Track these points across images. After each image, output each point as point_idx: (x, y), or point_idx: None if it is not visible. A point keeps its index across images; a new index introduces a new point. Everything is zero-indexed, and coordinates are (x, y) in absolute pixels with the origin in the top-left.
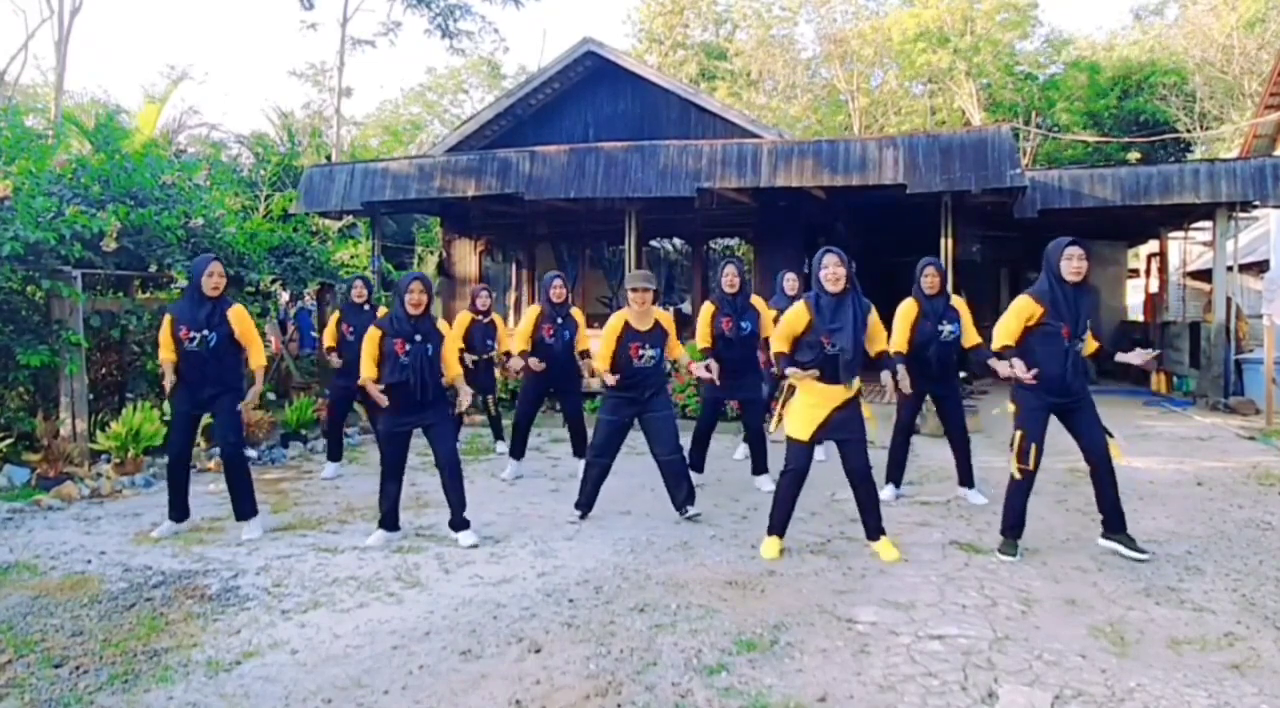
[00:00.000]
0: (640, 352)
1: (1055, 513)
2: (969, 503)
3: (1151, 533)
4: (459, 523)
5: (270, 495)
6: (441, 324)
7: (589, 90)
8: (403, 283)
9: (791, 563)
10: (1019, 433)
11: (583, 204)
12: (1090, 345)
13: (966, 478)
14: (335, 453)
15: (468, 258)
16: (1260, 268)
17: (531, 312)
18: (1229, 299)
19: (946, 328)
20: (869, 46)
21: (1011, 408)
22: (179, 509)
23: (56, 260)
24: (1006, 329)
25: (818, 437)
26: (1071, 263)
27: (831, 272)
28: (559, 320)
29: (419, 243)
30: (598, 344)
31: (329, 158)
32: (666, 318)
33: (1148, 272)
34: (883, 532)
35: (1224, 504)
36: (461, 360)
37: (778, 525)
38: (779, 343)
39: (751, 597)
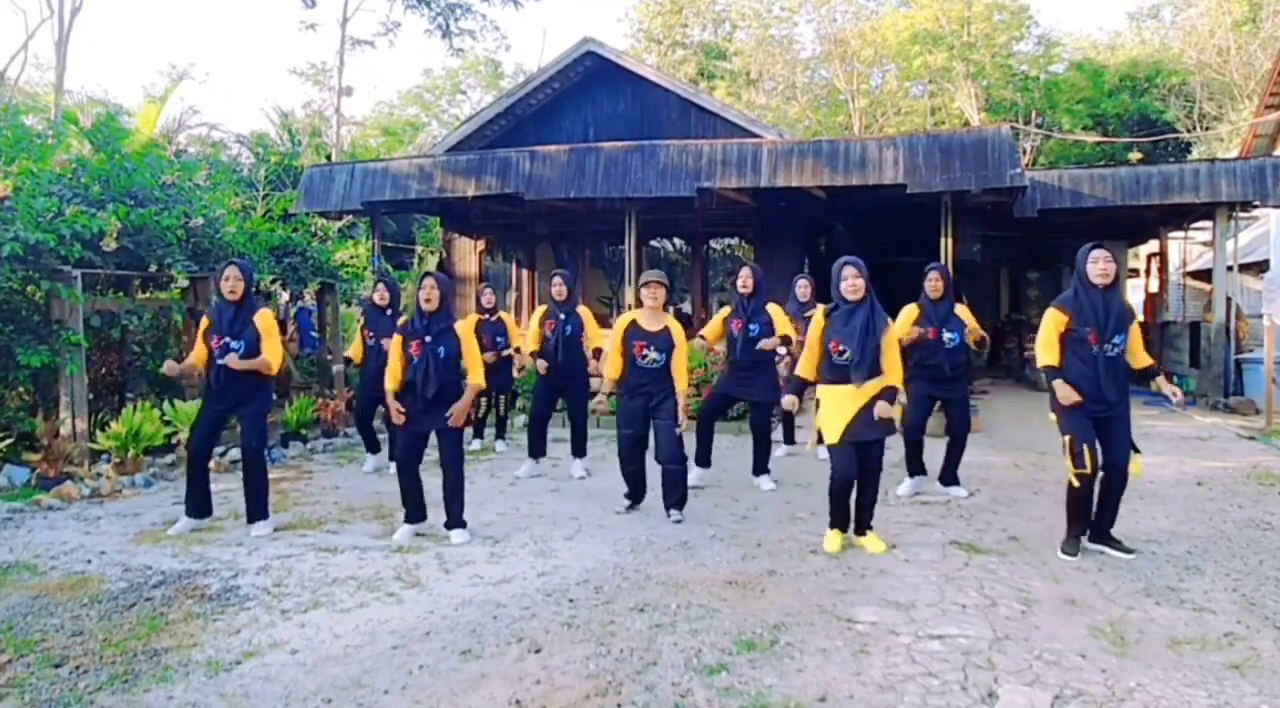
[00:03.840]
0: (644, 351)
1: (1055, 513)
2: (951, 497)
3: (1151, 533)
4: (454, 522)
5: (270, 496)
6: (459, 326)
7: (589, 90)
8: (418, 281)
9: (791, 563)
10: (1068, 438)
11: (583, 204)
12: (1142, 359)
13: (950, 476)
14: (372, 446)
15: (468, 258)
16: (1260, 268)
17: (539, 311)
18: (1229, 299)
19: (947, 335)
20: (868, 47)
21: (1052, 417)
22: (197, 504)
23: (56, 260)
24: (1045, 344)
25: (848, 437)
26: (1097, 265)
27: (850, 283)
28: (561, 317)
29: (419, 243)
30: (607, 345)
31: (329, 158)
32: (679, 329)
33: (1148, 271)
34: (870, 527)
35: (1224, 504)
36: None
37: (837, 521)
38: (802, 368)
39: (751, 597)
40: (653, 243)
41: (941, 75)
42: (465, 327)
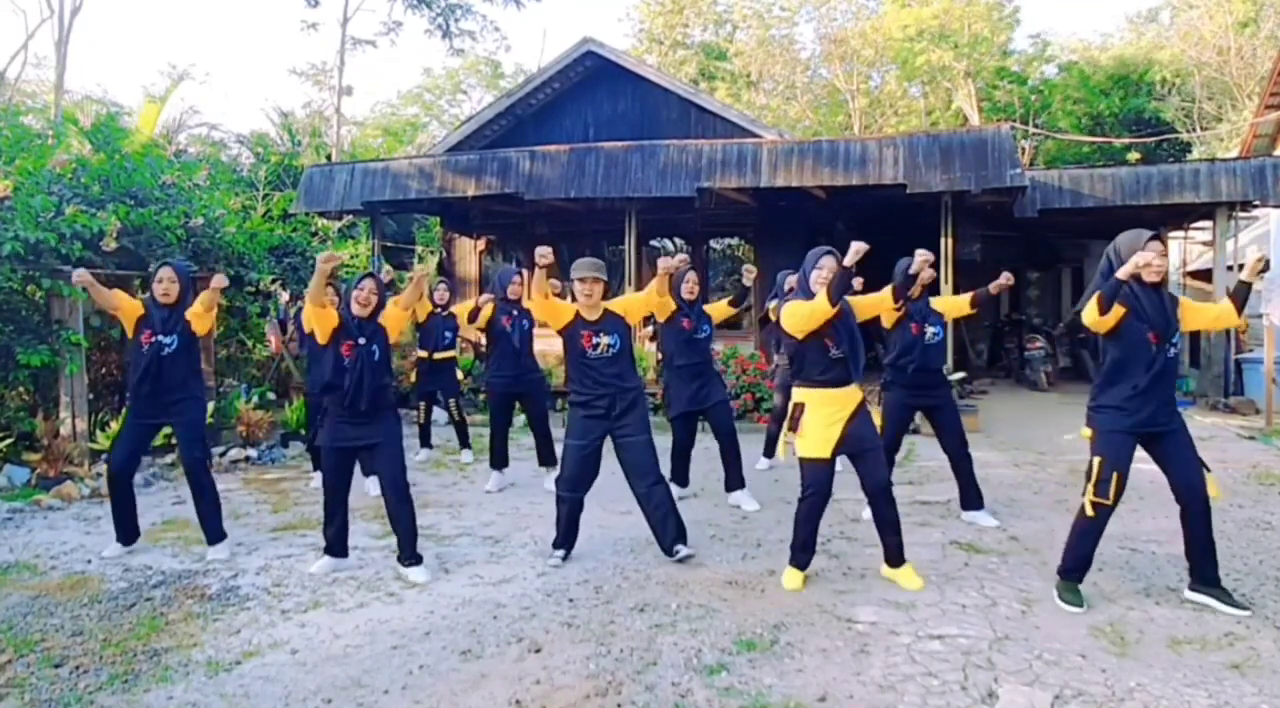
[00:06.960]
0: (594, 339)
1: (1055, 513)
2: (980, 526)
3: (1152, 533)
4: (409, 557)
5: (270, 496)
6: (384, 319)
7: (589, 90)
8: (354, 281)
9: None
10: (1097, 459)
11: (583, 204)
12: (1228, 308)
13: (971, 500)
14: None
15: (468, 258)
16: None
17: (491, 305)
18: None
19: (930, 330)
20: (868, 46)
21: (1087, 433)
22: (125, 529)
23: (56, 260)
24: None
25: (838, 452)
26: (1154, 263)
27: (828, 274)
28: (515, 313)
29: (419, 243)
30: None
31: (329, 158)
32: (621, 303)
33: None
34: (904, 559)
35: (1224, 504)
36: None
37: (799, 557)
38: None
39: (751, 597)
40: (653, 242)
41: (941, 74)
42: (389, 314)
